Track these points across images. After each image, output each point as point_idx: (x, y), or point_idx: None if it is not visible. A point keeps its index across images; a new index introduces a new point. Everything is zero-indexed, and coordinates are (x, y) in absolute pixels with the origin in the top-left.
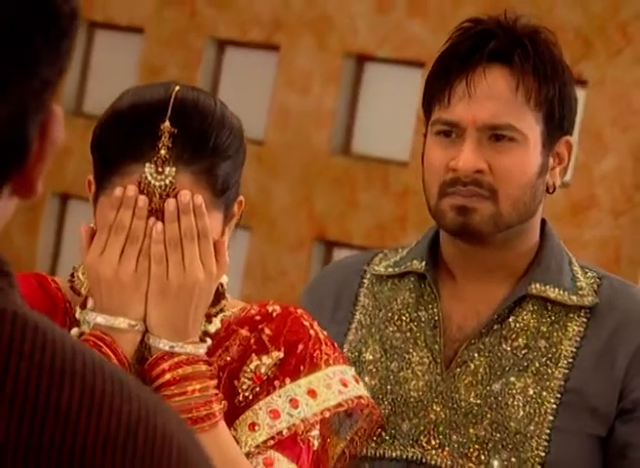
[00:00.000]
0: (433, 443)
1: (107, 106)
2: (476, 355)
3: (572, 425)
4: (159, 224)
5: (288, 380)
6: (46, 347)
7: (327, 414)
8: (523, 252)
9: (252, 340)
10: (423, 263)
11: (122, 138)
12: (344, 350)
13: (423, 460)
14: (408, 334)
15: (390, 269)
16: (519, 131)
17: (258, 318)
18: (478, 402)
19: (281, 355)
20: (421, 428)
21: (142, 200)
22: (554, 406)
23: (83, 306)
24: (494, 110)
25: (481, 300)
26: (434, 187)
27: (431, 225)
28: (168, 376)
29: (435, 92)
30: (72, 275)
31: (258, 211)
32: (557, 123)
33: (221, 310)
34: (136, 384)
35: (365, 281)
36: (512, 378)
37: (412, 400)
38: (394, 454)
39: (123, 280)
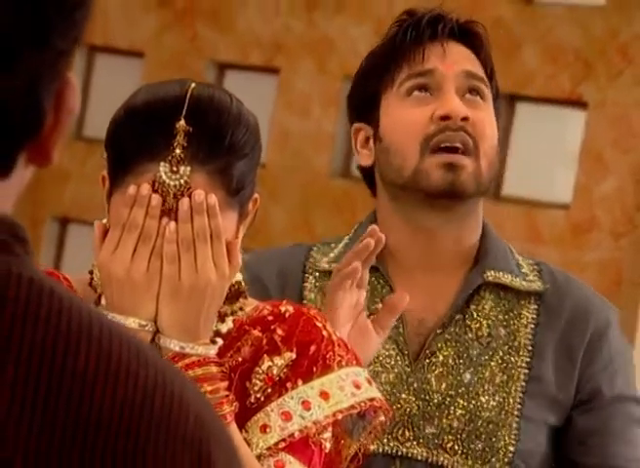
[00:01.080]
0: (407, 435)
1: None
2: (444, 345)
3: (537, 414)
4: (172, 224)
5: (300, 382)
6: (62, 312)
7: (339, 417)
8: (472, 235)
9: (264, 341)
10: None
11: (137, 137)
12: None
13: (399, 453)
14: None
15: (334, 264)
16: (488, 88)
17: (270, 318)
18: (450, 392)
19: (293, 356)
20: (396, 420)
21: (156, 199)
22: (521, 394)
23: (97, 304)
24: (469, 64)
25: (436, 290)
26: (412, 147)
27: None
28: None
29: (402, 57)
30: (91, 272)
31: (257, 233)
32: (495, 99)
33: (241, 309)
34: (153, 352)
35: (308, 276)
36: (480, 367)
37: (384, 393)
38: (371, 448)
39: (135, 279)
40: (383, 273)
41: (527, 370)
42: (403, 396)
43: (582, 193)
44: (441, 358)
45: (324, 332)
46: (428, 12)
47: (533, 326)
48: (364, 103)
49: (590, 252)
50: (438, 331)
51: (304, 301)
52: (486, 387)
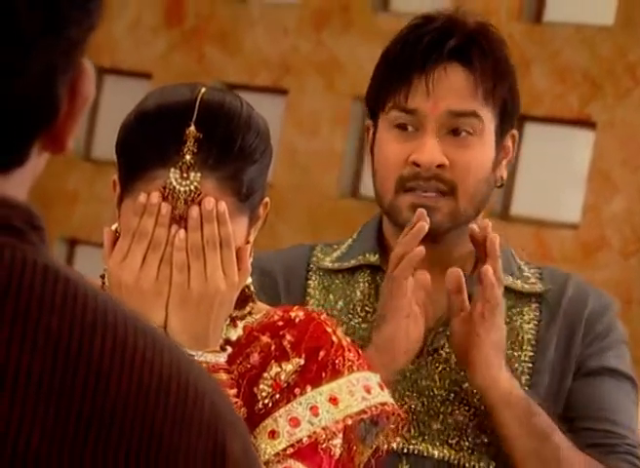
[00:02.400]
0: (413, 432)
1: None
2: (445, 343)
3: (543, 407)
4: (182, 232)
5: (309, 388)
6: (77, 300)
7: (349, 422)
8: (469, 245)
9: (272, 347)
10: (377, 256)
11: (147, 143)
12: None
13: (405, 450)
14: (375, 325)
15: (337, 264)
16: (481, 120)
17: (280, 324)
18: (454, 388)
19: (302, 362)
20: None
21: (165, 208)
22: (526, 387)
23: None
24: (455, 101)
25: (436, 290)
26: (389, 182)
27: None
28: None
29: (390, 87)
30: (102, 276)
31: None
32: (509, 118)
33: (250, 313)
34: (168, 341)
35: (312, 274)
36: None
37: (390, 390)
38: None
39: (144, 287)
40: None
41: (530, 364)
42: (407, 393)
43: (591, 213)
44: (444, 355)
45: (334, 338)
46: (441, 19)
47: (536, 322)
48: (370, 107)
49: (600, 271)
50: (440, 329)
51: (308, 298)
52: None
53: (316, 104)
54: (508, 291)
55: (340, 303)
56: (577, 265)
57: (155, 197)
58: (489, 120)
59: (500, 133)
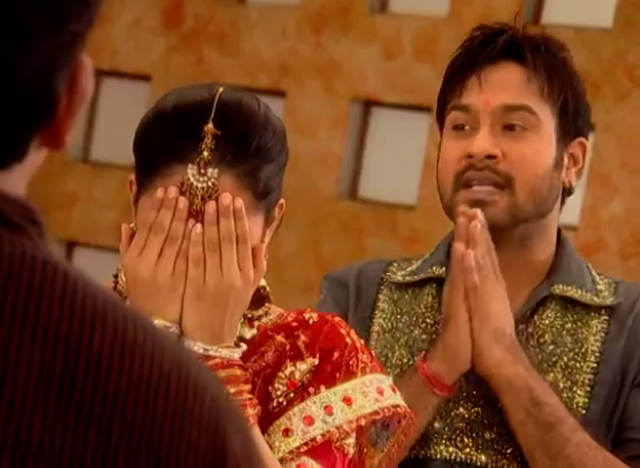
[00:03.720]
0: (467, 441)
1: (114, 154)
2: None
3: (602, 417)
4: (198, 226)
5: (323, 387)
6: (77, 294)
7: (362, 422)
8: (542, 252)
9: (287, 346)
10: (443, 269)
11: (165, 140)
12: None
13: (458, 459)
14: (434, 336)
15: (408, 277)
16: (535, 114)
17: (294, 324)
18: None
19: (316, 362)
20: (456, 426)
21: (183, 201)
22: (586, 399)
23: None
24: (508, 95)
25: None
26: (448, 180)
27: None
28: None
29: (449, 92)
30: (116, 276)
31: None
32: (571, 120)
33: (266, 314)
34: (169, 337)
35: (383, 288)
36: (541, 373)
37: (442, 400)
38: (429, 454)
39: (160, 281)
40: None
41: (592, 376)
42: (462, 403)
43: (590, 214)
44: None
45: (347, 339)
46: (498, 26)
47: (603, 334)
48: (437, 116)
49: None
50: None
51: (376, 311)
52: None
53: (315, 106)
54: (576, 303)
55: (406, 317)
56: None
57: (173, 191)
58: (546, 116)
59: (562, 132)
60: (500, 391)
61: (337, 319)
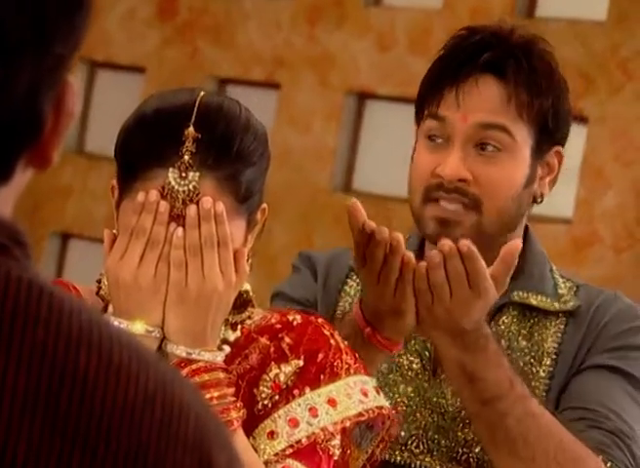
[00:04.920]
0: (422, 447)
1: (109, 145)
2: None
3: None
4: (180, 230)
5: (307, 389)
6: (62, 315)
7: (347, 424)
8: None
9: (272, 349)
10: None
11: (146, 143)
12: None
13: (412, 465)
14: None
15: None
16: (512, 135)
17: (278, 326)
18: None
19: (301, 363)
20: (410, 433)
21: (164, 205)
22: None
23: (104, 311)
24: (485, 113)
25: None
26: (418, 192)
27: None
28: None
29: (426, 99)
30: (99, 281)
31: (257, 249)
32: (550, 135)
33: (249, 318)
34: (153, 355)
35: (353, 274)
36: None
37: (400, 404)
38: (383, 457)
39: (142, 285)
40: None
41: (548, 380)
42: (419, 409)
43: (584, 208)
44: None
45: (332, 341)
46: (484, 32)
47: (560, 334)
48: (415, 118)
49: (592, 266)
50: None
51: (343, 295)
52: None
53: (309, 99)
54: (534, 309)
55: None
56: (568, 260)
57: (154, 195)
58: (522, 136)
59: (539, 149)
60: (445, 373)
61: (320, 320)
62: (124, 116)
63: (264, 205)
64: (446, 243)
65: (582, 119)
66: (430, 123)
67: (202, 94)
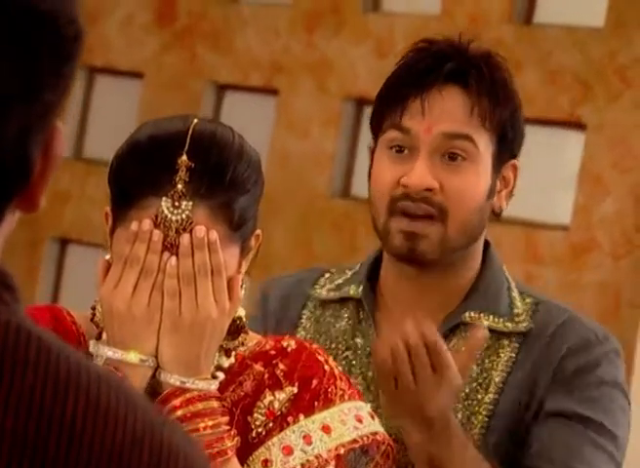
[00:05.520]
0: None
1: (107, 151)
2: None
3: (498, 448)
4: (173, 259)
5: (302, 416)
6: (50, 358)
7: (341, 451)
8: (463, 277)
9: (266, 375)
10: (360, 289)
11: (139, 172)
12: None
13: None
14: (343, 363)
15: (332, 293)
16: (475, 145)
17: (272, 353)
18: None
19: (295, 390)
20: None
21: (157, 234)
22: (483, 431)
23: (98, 338)
24: (450, 123)
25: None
26: (382, 204)
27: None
28: (179, 413)
29: (387, 109)
30: (93, 308)
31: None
32: (508, 146)
33: (242, 344)
34: (141, 398)
35: (309, 303)
36: None
37: None
38: None
39: (135, 314)
40: (367, 308)
41: (492, 407)
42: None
43: (582, 214)
44: None
45: (326, 367)
46: (443, 43)
47: (510, 364)
48: (372, 128)
49: (590, 273)
50: None
51: (299, 328)
52: None
53: (307, 105)
54: (489, 331)
55: (324, 337)
56: (566, 267)
57: (147, 224)
58: (484, 145)
59: (498, 160)
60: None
61: (314, 346)
62: (123, 121)
63: (258, 231)
64: (411, 334)
65: (581, 126)
66: (393, 133)
67: (195, 121)
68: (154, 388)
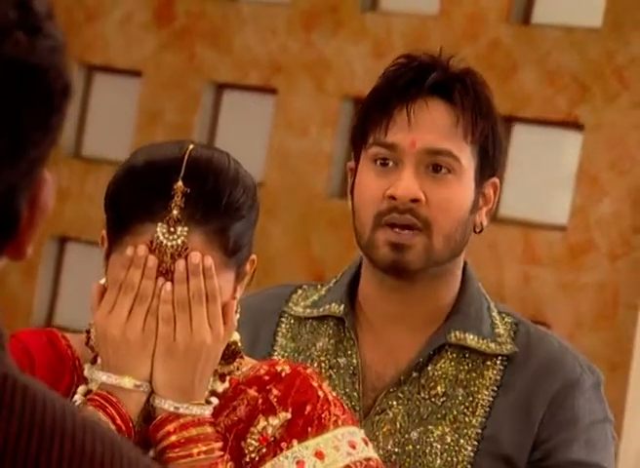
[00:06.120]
0: None
1: (105, 149)
2: (395, 403)
3: None
4: (168, 284)
5: (295, 442)
6: (36, 406)
7: None
8: (446, 293)
9: (260, 401)
10: (342, 307)
11: (135, 197)
12: None
13: None
14: (327, 382)
15: (309, 310)
16: (458, 160)
17: (266, 378)
18: (396, 450)
19: (288, 416)
20: None
21: (152, 260)
22: (472, 453)
23: (93, 362)
24: (434, 137)
25: (399, 347)
26: (368, 218)
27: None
28: (173, 438)
29: (372, 122)
30: (88, 331)
31: (255, 252)
32: (489, 160)
33: (237, 368)
34: (127, 445)
35: (283, 320)
36: (430, 426)
37: None
38: None
39: (130, 339)
40: (349, 326)
41: (480, 430)
42: None
43: (579, 215)
44: (391, 415)
45: (320, 392)
46: (424, 58)
47: (495, 387)
48: (353, 144)
49: (587, 273)
50: (391, 390)
51: (275, 347)
52: (434, 446)
53: (306, 104)
54: (472, 351)
55: (302, 356)
56: (564, 267)
57: (142, 249)
58: (467, 159)
59: (480, 174)
60: None
61: (309, 371)
62: (121, 120)
63: (253, 256)
64: None
65: (578, 126)
66: (378, 149)
67: (191, 147)
68: (148, 413)
